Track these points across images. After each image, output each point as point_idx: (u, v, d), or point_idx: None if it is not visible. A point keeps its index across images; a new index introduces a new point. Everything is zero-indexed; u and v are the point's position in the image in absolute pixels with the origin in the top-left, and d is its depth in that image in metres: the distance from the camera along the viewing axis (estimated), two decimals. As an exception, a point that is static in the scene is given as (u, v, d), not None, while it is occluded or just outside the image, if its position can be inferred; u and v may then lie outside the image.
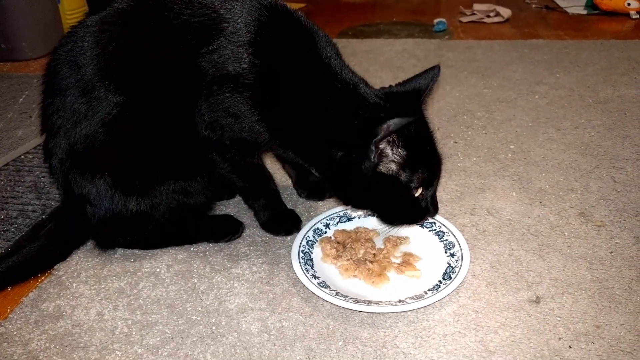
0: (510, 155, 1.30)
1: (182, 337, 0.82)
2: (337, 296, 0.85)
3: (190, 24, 0.88)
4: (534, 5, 2.85)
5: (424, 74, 0.91)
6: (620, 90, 1.65)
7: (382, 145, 0.82)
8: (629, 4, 2.53)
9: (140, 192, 0.93)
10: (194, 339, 0.81)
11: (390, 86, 0.93)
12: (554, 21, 2.56)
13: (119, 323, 0.85)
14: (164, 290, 0.92)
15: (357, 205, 0.96)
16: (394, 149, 0.83)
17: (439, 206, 0.93)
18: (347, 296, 0.86)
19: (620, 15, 2.55)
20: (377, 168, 0.84)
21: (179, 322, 0.85)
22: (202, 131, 0.92)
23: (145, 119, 0.91)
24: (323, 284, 0.89)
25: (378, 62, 2.03)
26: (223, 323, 0.84)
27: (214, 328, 0.83)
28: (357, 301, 0.84)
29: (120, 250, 1.02)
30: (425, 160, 0.87)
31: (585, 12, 2.65)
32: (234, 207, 1.15)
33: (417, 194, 0.88)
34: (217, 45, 0.87)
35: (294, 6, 0.94)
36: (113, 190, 0.92)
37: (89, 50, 0.89)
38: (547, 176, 1.20)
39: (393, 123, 0.79)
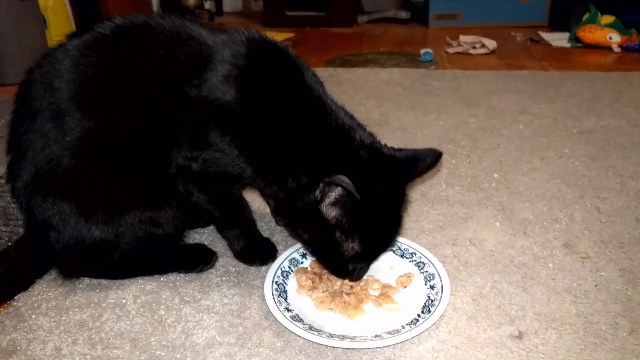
0: (494, 184, 1.27)
1: (143, 375, 0.77)
2: (310, 330, 0.80)
3: (176, 54, 0.86)
4: (518, 38, 2.89)
5: (426, 153, 0.86)
6: (604, 120, 1.65)
7: (330, 190, 0.78)
8: (610, 38, 2.57)
9: (104, 220, 0.89)
10: (156, 377, 0.76)
11: (393, 148, 0.88)
12: (538, 53, 2.59)
13: (77, 358, 0.79)
14: (128, 322, 0.87)
15: (291, 228, 0.93)
16: (338, 204, 0.79)
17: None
18: (320, 331, 0.81)
19: (603, 48, 2.59)
20: (320, 206, 0.80)
21: (142, 357, 0.80)
22: (180, 162, 0.89)
23: (116, 147, 0.88)
24: (296, 318, 0.84)
25: (363, 90, 2.03)
26: (188, 359, 0.79)
27: (178, 364, 0.78)
28: (331, 336, 0.80)
29: (86, 280, 0.97)
30: (364, 236, 0.82)
31: (569, 45, 2.69)
32: (208, 235, 1.11)
33: (345, 255, 0.84)
34: (204, 78, 0.84)
35: (283, 35, 0.92)
36: (76, 216, 0.88)
37: (66, 73, 0.86)
38: (531, 206, 1.17)
39: (338, 179, 0.74)
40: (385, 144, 0.88)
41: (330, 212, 0.80)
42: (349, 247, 0.83)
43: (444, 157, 1.41)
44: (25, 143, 0.88)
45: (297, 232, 0.90)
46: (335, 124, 0.85)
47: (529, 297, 0.89)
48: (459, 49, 2.65)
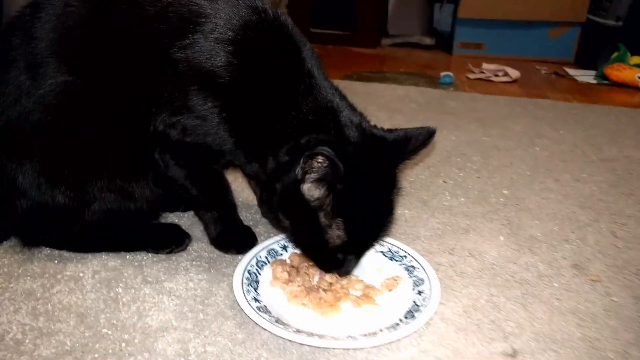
0: (502, 199, 1.18)
1: (82, 352, 0.68)
2: (275, 323, 0.71)
3: (166, 13, 0.81)
4: (543, 71, 2.82)
5: (417, 131, 0.79)
6: (627, 151, 1.55)
7: (311, 167, 0.70)
8: (639, 77, 2.48)
9: (69, 185, 0.82)
10: (95, 355, 0.68)
11: (383, 129, 0.82)
12: (563, 86, 2.51)
13: (14, 327, 0.72)
14: (80, 297, 0.79)
15: (272, 214, 0.84)
16: (320, 182, 0.71)
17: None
18: (287, 325, 0.72)
19: (630, 87, 2.49)
20: (301, 186, 0.73)
21: (86, 334, 0.72)
22: (159, 128, 0.83)
23: (91, 104, 0.81)
24: (263, 309, 0.75)
25: (377, 103, 1.96)
26: (136, 340, 0.71)
27: (123, 345, 0.70)
28: (298, 331, 0.71)
29: (47, 250, 0.90)
30: (350, 219, 0.74)
31: (595, 81, 2.60)
32: (187, 219, 1.03)
33: (331, 244, 0.75)
34: (193, 39, 0.79)
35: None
36: (40, 177, 0.81)
37: (47, 23, 0.80)
38: (541, 224, 1.07)
39: (319, 149, 0.68)
40: (375, 125, 0.80)
41: (313, 192, 0.72)
42: (335, 233, 0.75)
43: (452, 169, 1.32)
44: None
45: (278, 218, 0.82)
46: (323, 100, 0.79)
47: (528, 315, 0.79)
48: (481, 76, 2.58)
